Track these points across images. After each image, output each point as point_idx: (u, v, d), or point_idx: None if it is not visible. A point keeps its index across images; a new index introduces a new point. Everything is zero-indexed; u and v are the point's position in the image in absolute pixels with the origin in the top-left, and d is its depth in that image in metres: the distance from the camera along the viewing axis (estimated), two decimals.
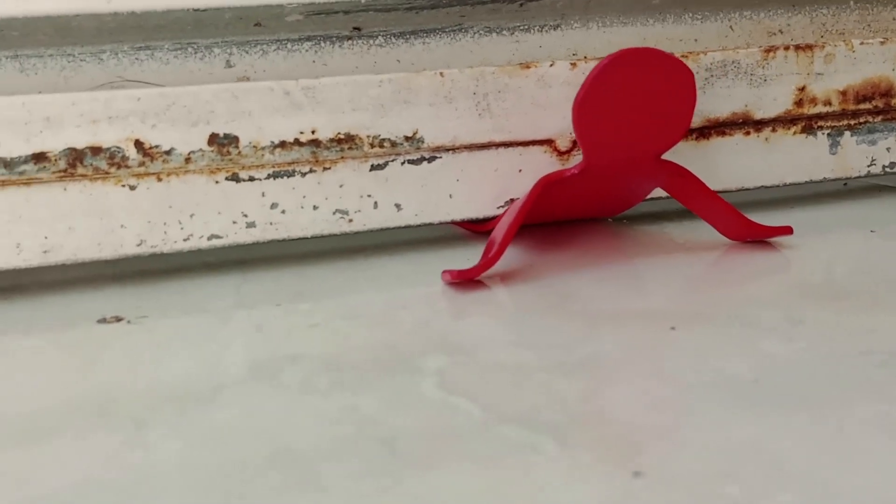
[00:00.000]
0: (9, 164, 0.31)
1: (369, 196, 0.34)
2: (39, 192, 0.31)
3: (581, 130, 0.30)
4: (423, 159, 0.34)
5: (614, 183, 0.33)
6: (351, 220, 0.34)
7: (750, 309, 0.28)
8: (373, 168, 0.34)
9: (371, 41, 0.36)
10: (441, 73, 0.34)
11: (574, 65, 0.35)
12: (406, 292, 0.32)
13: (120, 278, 0.33)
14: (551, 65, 0.35)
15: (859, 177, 0.39)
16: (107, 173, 0.32)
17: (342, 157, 0.34)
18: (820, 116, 0.38)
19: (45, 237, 0.32)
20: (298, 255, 0.35)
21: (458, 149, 0.35)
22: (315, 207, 0.34)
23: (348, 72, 0.36)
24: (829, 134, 0.38)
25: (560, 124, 0.35)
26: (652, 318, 0.27)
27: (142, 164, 0.32)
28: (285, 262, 0.35)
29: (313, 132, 0.33)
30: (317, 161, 0.33)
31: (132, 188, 0.32)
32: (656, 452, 0.19)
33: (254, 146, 0.33)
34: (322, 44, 0.35)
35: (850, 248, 0.34)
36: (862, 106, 0.38)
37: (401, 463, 0.19)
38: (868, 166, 0.39)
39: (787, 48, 0.37)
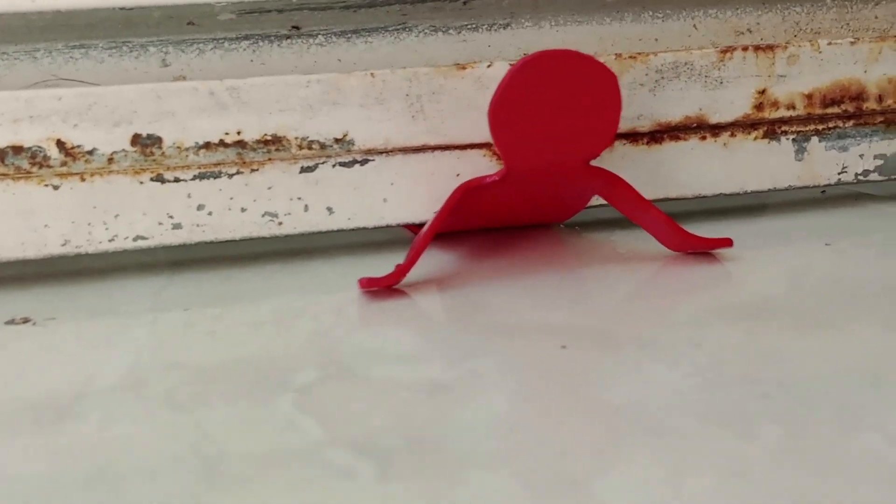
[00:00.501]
0: None
1: (299, 199, 0.33)
2: None
3: (498, 135, 0.29)
4: (354, 162, 0.33)
5: (544, 189, 0.32)
6: (281, 223, 0.33)
7: (656, 327, 0.26)
8: (303, 170, 0.33)
9: (311, 40, 0.35)
10: (372, 74, 0.33)
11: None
12: (323, 298, 0.31)
13: (46, 279, 0.33)
14: (489, 66, 0.33)
15: (830, 185, 0.37)
16: (29, 173, 0.32)
17: (270, 159, 0.33)
18: (783, 121, 0.36)
19: None
20: (232, 257, 0.35)
21: (391, 152, 0.34)
22: (243, 209, 0.33)
23: (287, 71, 0.35)
24: (794, 139, 0.36)
25: None
26: (552, 333, 0.26)
27: (64, 163, 0.32)
28: (216, 265, 0.34)
29: (239, 133, 0.32)
30: (243, 162, 0.33)
31: (55, 188, 0.32)
32: (476, 486, 0.18)
33: (178, 147, 0.32)
34: (260, 43, 0.34)
35: (796, 262, 0.32)
36: (830, 110, 0.36)
37: (213, 486, 0.19)
38: (839, 174, 0.37)
39: (745, 49, 0.35)
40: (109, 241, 0.32)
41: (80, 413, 0.22)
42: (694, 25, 0.37)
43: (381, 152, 0.34)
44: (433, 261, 0.33)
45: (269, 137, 0.33)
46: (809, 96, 0.35)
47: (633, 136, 0.35)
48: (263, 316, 0.29)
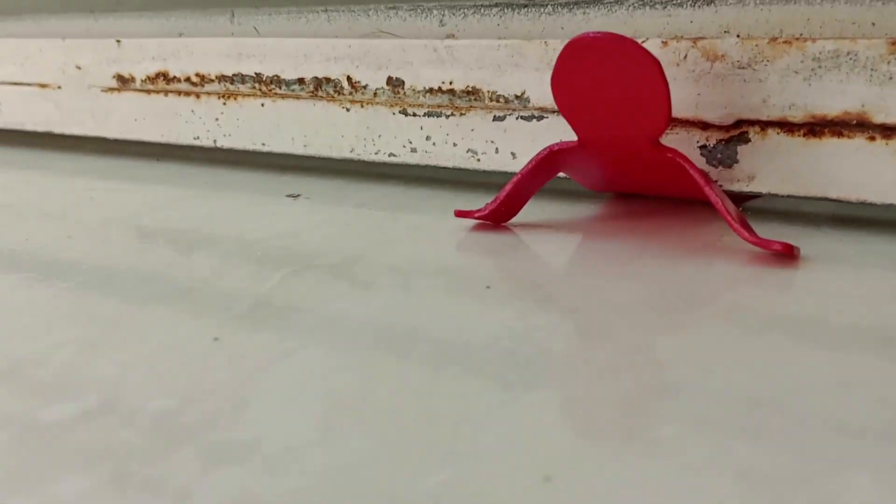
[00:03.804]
0: (287, 83, 0.44)
1: (492, 142, 0.39)
2: (300, 105, 0.44)
3: (561, 107, 0.31)
4: (532, 117, 0.37)
5: (630, 162, 0.32)
6: (479, 160, 0.39)
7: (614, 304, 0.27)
8: (495, 119, 0.38)
9: (542, 10, 0.39)
10: (546, 42, 0.36)
11: (665, 43, 0.33)
12: (455, 223, 0.36)
13: (311, 171, 0.44)
14: (643, 41, 0.34)
15: None
16: (333, 97, 0.43)
17: (471, 107, 0.39)
18: None
19: (305, 135, 0.44)
20: (449, 181, 0.42)
21: (559, 112, 0.36)
22: (454, 144, 0.40)
23: (522, 34, 0.40)
24: None
25: None
26: (513, 283, 0.28)
27: (351, 93, 0.42)
28: (438, 185, 0.42)
29: (451, 83, 0.39)
30: (454, 107, 0.39)
31: (347, 110, 0.43)
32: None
33: (413, 89, 0.40)
34: (505, 10, 0.40)
35: (873, 289, 0.26)
36: None
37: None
38: None
39: None
40: (375, 153, 0.42)
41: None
42: None
43: (552, 111, 0.37)
44: (586, 211, 0.36)
45: (470, 89, 0.38)
46: None
47: (787, 126, 0.32)
48: (394, 224, 0.36)
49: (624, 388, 0.20)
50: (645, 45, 0.33)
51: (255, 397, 0.20)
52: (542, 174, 0.33)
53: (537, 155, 0.32)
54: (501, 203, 0.33)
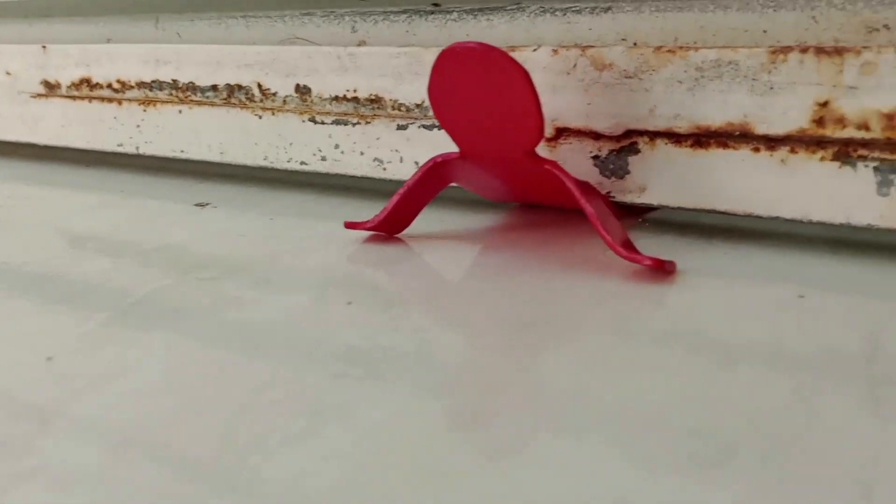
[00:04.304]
0: (201, 90, 0.43)
1: (397, 151, 0.38)
2: (215, 112, 0.43)
3: (439, 118, 0.30)
4: (434, 126, 0.36)
5: (512, 173, 0.31)
6: (385, 169, 0.38)
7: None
8: (398, 128, 0.37)
9: (448, 16, 0.38)
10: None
11: (556, 51, 0.32)
12: (350, 233, 0.35)
13: (222, 177, 0.44)
14: (534, 49, 0.33)
15: None
16: (245, 104, 0.42)
17: (375, 115, 0.38)
18: (858, 143, 0.27)
19: (221, 143, 0.44)
20: (357, 189, 0.41)
21: None
22: (361, 153, 0.39)
23: (430, 41, 0.39)
24: (876, 168, 0.27)
25: None
26: (381, 294, 0.28)
27: (262, 100, 0.41)
28: (345, 193, 0.41)
29: (355, 91, 0.38)
30: (359, 115, 0.38)
31: (259, 117, 0.42)
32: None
33: (320, 96, 0.39)
34: (413, 16, 0.39)
35: (731, 304, 0.25)
36: None
37: None
38: None
39: (804, 50, 0.27)
40: (287, 161, 0.41)
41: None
42: (813, 17, 0.30)
43: None
44: (485, 221, 0.35)
45: (373, 97, 0.38)
46: (890, 117, 0.26)
47: (674, 137, 0.31)
48: (292, 233, 0.35)
49: (439, 418, 0.19)
50: (536, 53, 0.32)
51: (57, 424, 0.20)
52: (430, 185, 0.32)
53: (423, 166, 0.32)
54: (389, 214, 0.32)
